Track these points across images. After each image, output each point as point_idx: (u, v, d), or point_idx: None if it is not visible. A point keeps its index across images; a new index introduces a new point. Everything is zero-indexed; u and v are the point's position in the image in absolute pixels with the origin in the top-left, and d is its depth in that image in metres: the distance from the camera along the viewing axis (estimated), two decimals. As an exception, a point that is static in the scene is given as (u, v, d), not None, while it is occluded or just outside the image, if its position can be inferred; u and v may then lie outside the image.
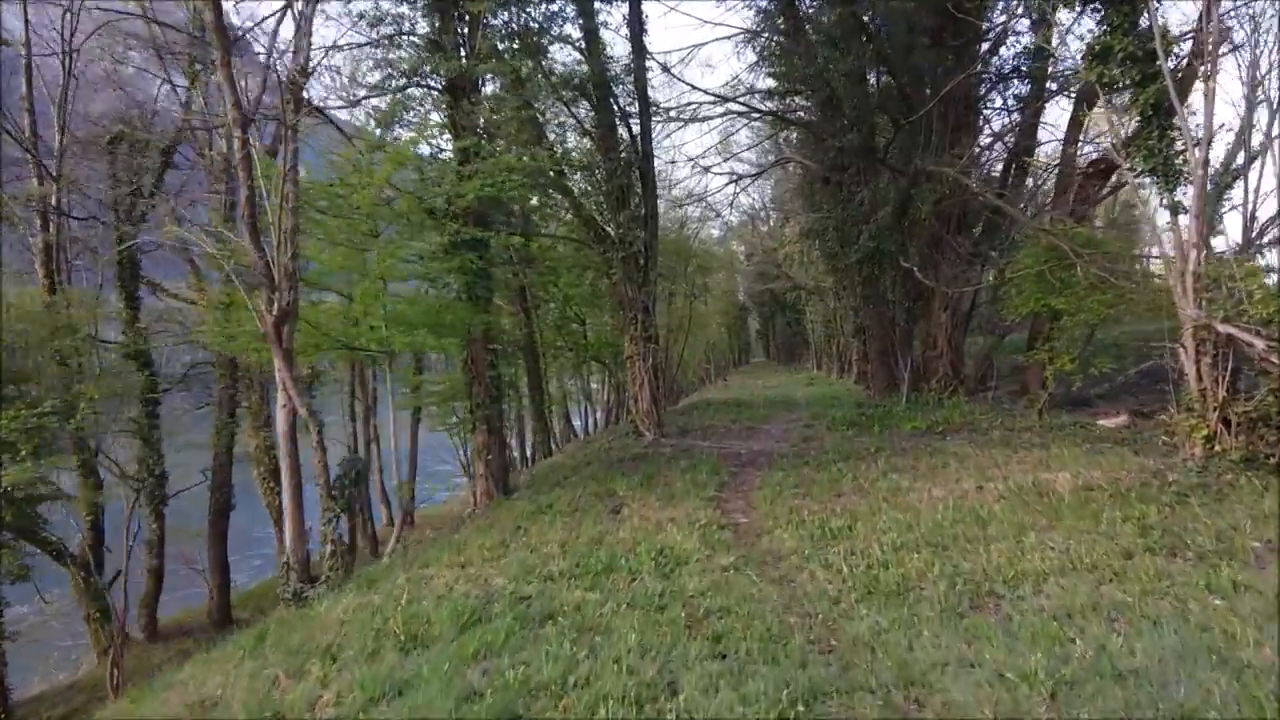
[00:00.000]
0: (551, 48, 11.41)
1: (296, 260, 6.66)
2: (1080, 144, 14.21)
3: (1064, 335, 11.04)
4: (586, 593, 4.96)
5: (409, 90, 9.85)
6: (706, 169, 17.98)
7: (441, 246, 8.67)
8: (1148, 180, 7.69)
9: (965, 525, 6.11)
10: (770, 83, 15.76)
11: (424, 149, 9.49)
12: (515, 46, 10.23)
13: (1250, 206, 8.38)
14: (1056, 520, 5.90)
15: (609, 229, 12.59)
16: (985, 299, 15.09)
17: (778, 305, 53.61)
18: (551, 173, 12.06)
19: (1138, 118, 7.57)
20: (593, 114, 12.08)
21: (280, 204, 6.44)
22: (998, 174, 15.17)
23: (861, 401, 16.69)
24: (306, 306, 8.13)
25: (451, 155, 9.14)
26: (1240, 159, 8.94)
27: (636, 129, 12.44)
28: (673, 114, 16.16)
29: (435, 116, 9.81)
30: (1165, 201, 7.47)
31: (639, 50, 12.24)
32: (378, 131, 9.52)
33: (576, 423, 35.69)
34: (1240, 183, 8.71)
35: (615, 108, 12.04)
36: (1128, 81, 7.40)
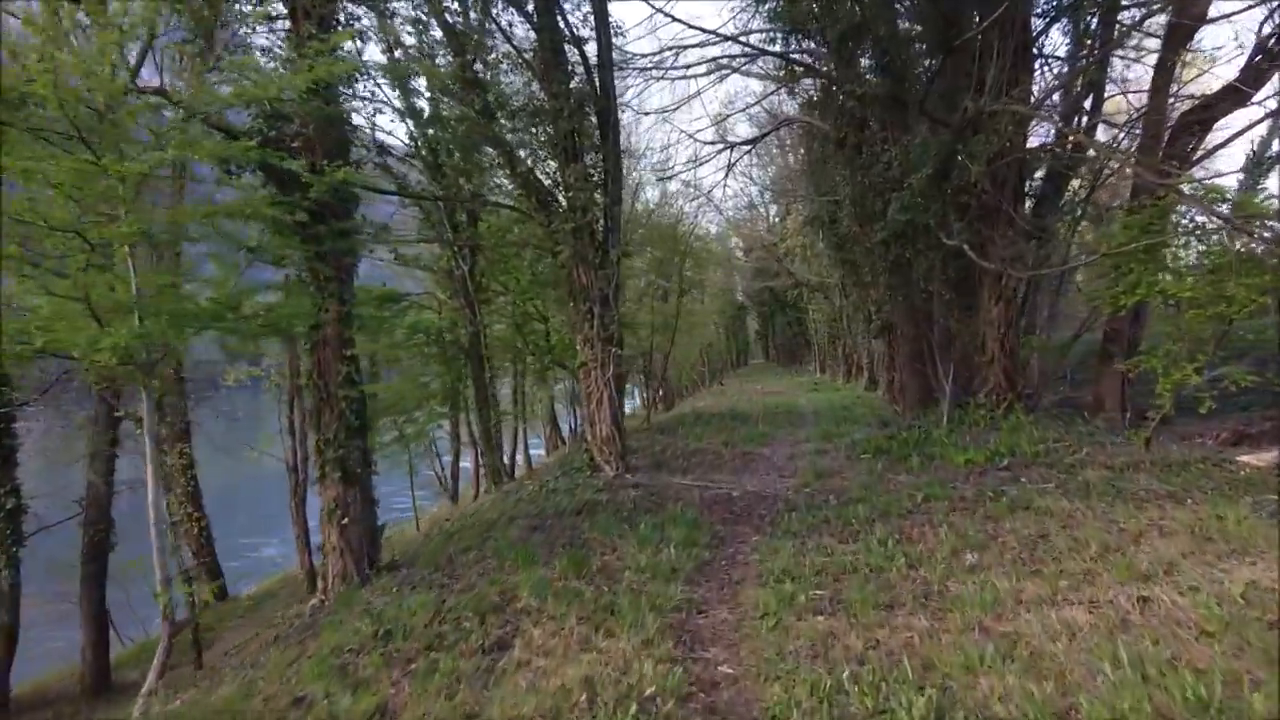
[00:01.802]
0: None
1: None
2: (1173, 91, 11.04)
3: (1186, 333, 7.83)
4: None
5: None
6: (693, 135, 14.70)
7: (262, 196, 5.47)
8: None
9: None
10: (770, 23, 12.51)
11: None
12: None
13: None
14: None
15: (556, 192, 9.38)
16: (1047, 287, 11.86)
17: (778, 304, 50.80)
18: (474, 111, 8.84)
19: None
20: (531, 31, 8.87)
21: None
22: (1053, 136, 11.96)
23: (885, 417, 13.43)
24: None
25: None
26: None
27: (594, 55, 9.22)
28: (649, 63, 12.95)
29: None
30: None
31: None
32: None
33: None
34: None
35: (563, 22, 8.81)
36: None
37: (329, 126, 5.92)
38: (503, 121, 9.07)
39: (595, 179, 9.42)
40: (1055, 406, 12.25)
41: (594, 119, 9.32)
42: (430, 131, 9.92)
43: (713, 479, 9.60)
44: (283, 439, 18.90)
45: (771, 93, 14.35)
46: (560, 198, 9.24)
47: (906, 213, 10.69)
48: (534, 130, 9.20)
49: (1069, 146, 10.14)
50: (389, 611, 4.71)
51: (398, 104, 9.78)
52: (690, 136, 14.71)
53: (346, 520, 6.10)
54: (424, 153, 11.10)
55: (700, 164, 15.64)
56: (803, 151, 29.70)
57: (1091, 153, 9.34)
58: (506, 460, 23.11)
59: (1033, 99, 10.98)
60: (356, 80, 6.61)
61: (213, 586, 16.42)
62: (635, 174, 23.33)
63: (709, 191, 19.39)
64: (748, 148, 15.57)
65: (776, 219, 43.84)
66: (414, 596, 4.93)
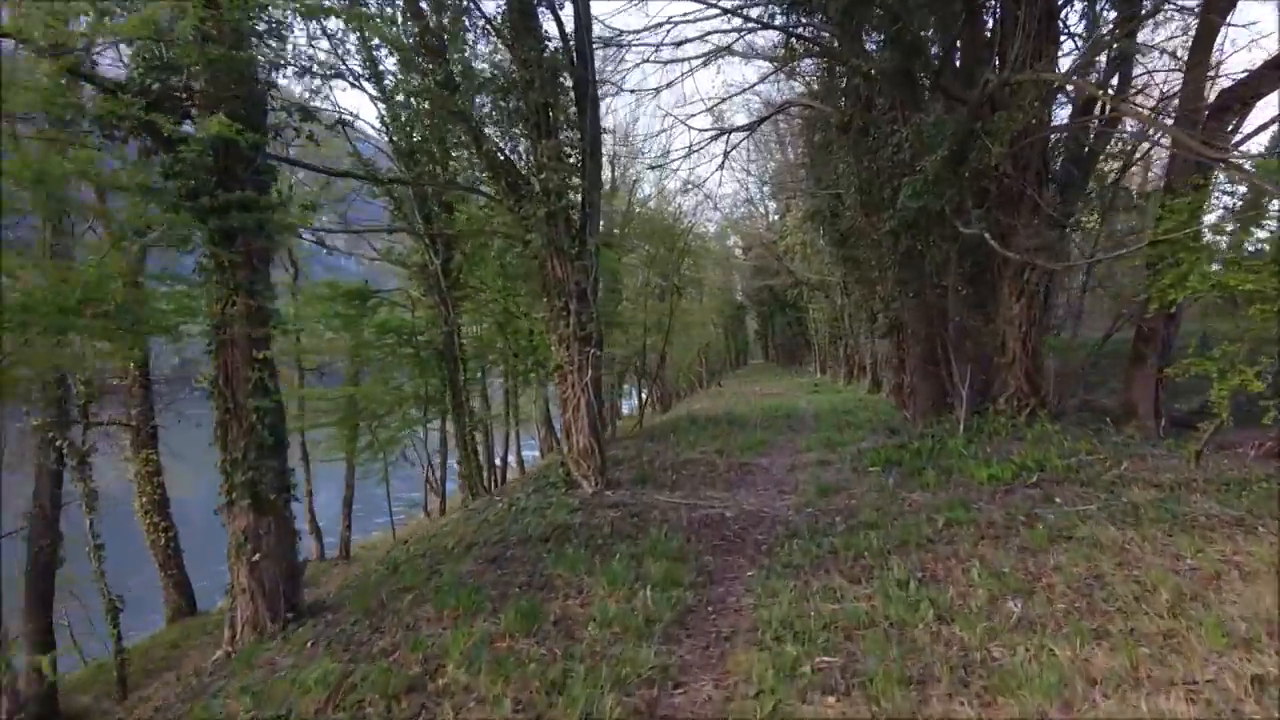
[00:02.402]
0: None
1: None
2: (1212, 67, 10.05)
3: (1246, 333, 6.81)
4: None
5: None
6: (685, 121, 13.65)
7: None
8: None
9: None
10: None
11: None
12: None
13: None
14: None
15: (526, 172, 8.34)
16: (1068, 283, 10.83)
17: (777, 304, 49.86)
18: (435, 83, 7.82)
19: None
20: (496, -10, 7.85)
21: None
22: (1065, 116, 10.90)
23: (893, 423, 12.40)
24: None
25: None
26: None
27: (569, 18, 8.20)
28: (638, 40, 11.91)
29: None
30: None
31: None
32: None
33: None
34: None
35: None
36: None
37: (236, 81, 4.88)
38: (467, 94, 8.02)
39: (571, 160, 8.38)
40: (1078, 413, 11.23)
41: (570, 91, 8.29)
42: (391, 103, 8.89)
43: (704, 495, 8.57)
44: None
45: (771, 74, 13.32)
46: (533, 180, 8.20)
47: (918, 199, 9.65)
48: (502, 104, 8.16)
49: (1101, 119, 9.11)
50: (278, 686, 3.68)
51: (358, 70, 8.76)
52: (683, 123, 13.59)
53: (258, 556, 5.06)
54: (391, 132, 10.06)
55: (695, 150, 14.49)
56: (802, 144, 28.79)
57: (1129, 126, 8.30)
58: (499, 462, 22.09)
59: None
60: (285, 32, 5.58)
61: (171, 608, 15.43)
62: (632, 170, 22.38)
63: (704, 181, 18.20)
64: (746, 134, 14.52)
65: (776, 216, 42.95)
66: (317, 664, 3.89)
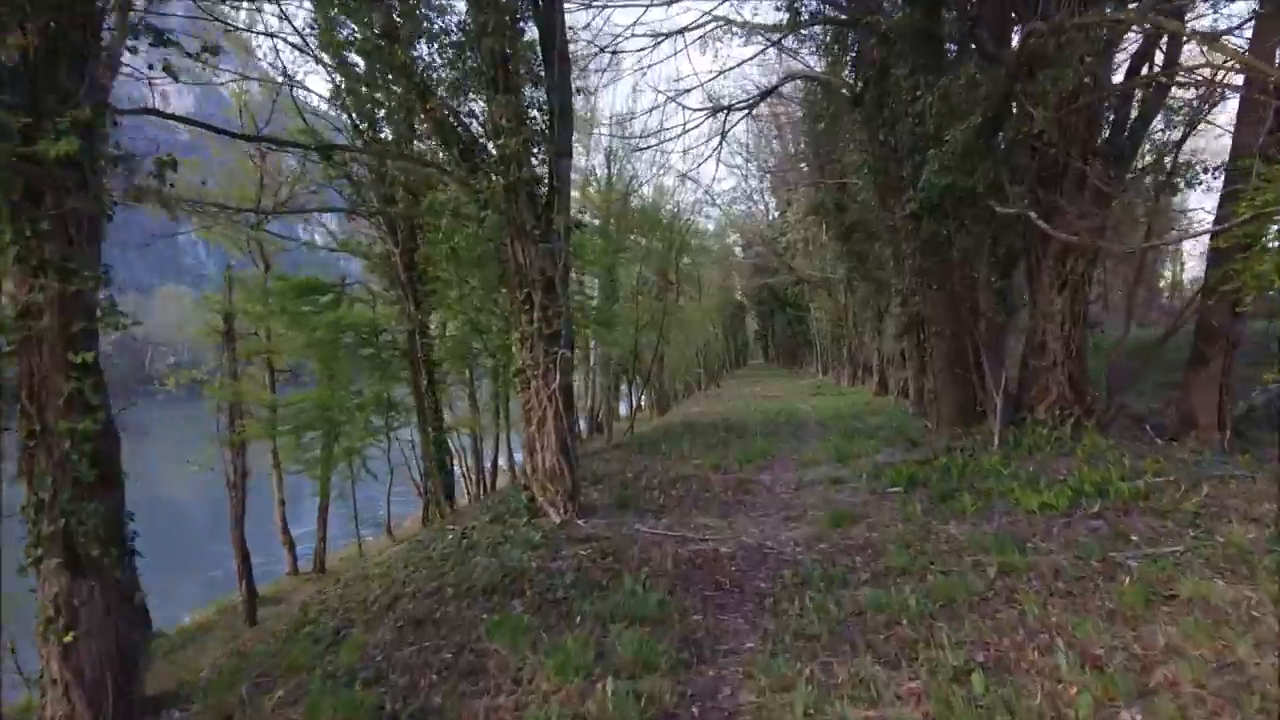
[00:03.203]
0: None
1: None
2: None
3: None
4: None
5: None
6: (677, 98, 12.32)
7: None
8: None
9: None
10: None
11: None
12: None
13: None
14: None
15: (482, 138, 6.96)
16: (1112, 270, 9.43)
17: (778, 303, 48.69)
18: (372, 33, 6.44)
19: None
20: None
21: None
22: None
23: (912, 433, 11.00)
24: None
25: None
26: None
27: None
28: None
29: None
30: None
31: None
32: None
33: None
34: None
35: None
36: None
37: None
38: (409, 43, 6.63)
39: (538, 127, 7.00)
40: (1118, 419, 9.84)
41: (536, 37, 6.91)
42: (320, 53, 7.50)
43: (696, 524, 7.18)
44: (221, 451, 16.60)
45: (774, 43, 11.91)
46: (490, 147, 6.82)
47: (945, 176, 8.28)
48: (452, 54, 6.77)
49: (1160, 79, 7.73)
50: None
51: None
52: (674, 100, 12.20)
53: (74, 634, 3.68)
54: (342, 92, 8.67)
55: (690, 129, 13.07)
56: (803, 134, 27.45)
57: (1207, 68, 6.91)
58: (489, 466, 20.69)
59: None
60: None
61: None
62: (629, 167, 21.06)
63: (701, 164, 16.81)
64: (745, 112, 13.13)
65: (776, 213, 41.65)
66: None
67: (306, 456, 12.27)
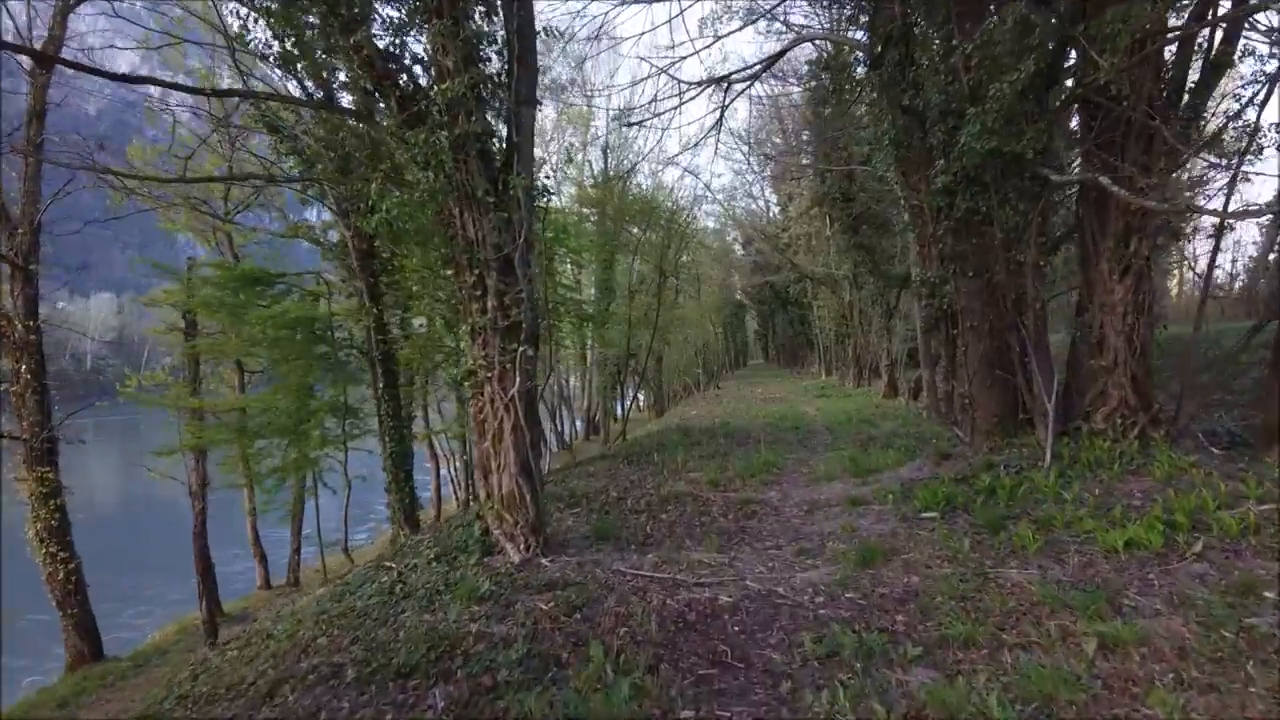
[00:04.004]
0: None
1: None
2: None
3: None
4: None
5: None
6: (666, 70, 10.96)
7: None
8: None
9: None
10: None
11: None
12: None
13: None
14: None
15: (426, 82, 5.59)
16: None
17: (779, 301, 47.41)
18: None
19: None
20: None
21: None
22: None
23: (942, 443, 9.63)
24: None
25: None
26: None
27: None
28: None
29: None
30: None
31: None
32: None
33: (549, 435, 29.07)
34: None
35: None
36: None
37: None
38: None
39: (493, 69, 5.64)
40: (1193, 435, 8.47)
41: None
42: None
43: (689, 560, 5.81)
44: (183, 457, 15.22)
45: (769, 12, 10.60)
46: (434, 93, 5.44)
47: (988, 139, 6.93)
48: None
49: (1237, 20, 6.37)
50: None
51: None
52: (665, 72, 10.83)
53: None
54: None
55: (688, 101, 11.69)
56: (806, 128, 26.08)
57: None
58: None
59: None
60: None
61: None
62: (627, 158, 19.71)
63: (699, 144, 15.50)
64: (746, 84, 11.76)
65: (777, 209, 40.36)
66: None
67: (258, 467, 10.88)
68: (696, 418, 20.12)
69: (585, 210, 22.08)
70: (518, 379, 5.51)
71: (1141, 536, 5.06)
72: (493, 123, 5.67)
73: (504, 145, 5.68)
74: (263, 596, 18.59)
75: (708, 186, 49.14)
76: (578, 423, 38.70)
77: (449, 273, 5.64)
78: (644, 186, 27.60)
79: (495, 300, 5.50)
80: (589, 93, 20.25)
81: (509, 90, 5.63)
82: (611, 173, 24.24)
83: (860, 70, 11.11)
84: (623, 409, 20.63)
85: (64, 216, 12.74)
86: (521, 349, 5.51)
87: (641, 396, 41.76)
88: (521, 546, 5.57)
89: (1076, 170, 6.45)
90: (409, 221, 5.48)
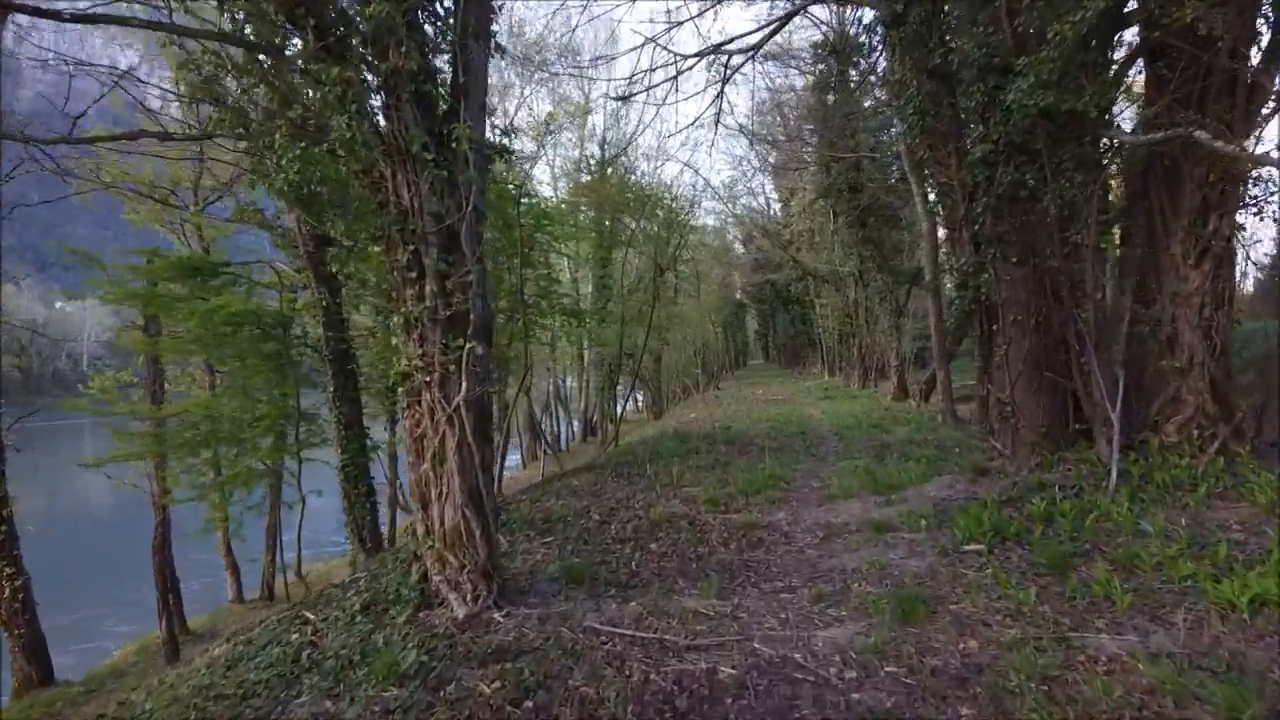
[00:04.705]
0: None
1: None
2: None
3: None
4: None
5: None
6: (659, 38, 9.73)
7: None
8: None
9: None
10: None
11: None
12: None
13: None
14: None
15: (351, 10, 4.39)
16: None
17: (780, 300, 46.34)
18: None
19: None
20: None
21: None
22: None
23: (977, 458, 8.45)
24: None
25: None
26: None
27: None
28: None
29: None
30: None
31: None
32: None
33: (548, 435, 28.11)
34: None
35: None
36: None
37: None
38: None
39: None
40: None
41: None
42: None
43: (682, 611, 4.62)
44: (147, 464, 14.01)
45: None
46: (360, 22, 4.25)
47: (1043, 94, 5.75)
48: None
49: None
50: None
51: None
52: (654, 41, 9.63)
53: None
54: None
55: (684, 73, 10.46)
56: (810, 118, 24.92)
57: None
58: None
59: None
60: None
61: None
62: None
63: (696, 120, 14.35)
64: (747, 57, 10.58)
65: (778, 205, 39.23)
66: None
67: (201, 480, 9.71)
68: (695, 421, 18.93)
69: (581, 203, 20.92)
70: (464, 383, 4.33)
71: (1271, 591, 3.89)
72: (435, 63, 4.48)
73: (450, 90, 4.49)
74: (235, 611, 17.39)
75: (707, 182, 47.98)
76: (575, 423, 37.50)
77: (377, 249, 4.44)
78: (642, 173, 26.57)
79: (435, 284, 4.32)
80: (578, 65, 19.00)
81: (455, 19, 4.45)
82: (608, 155, 23.22)
83: (871, 45, 9.99)
84: (608, 418, 19.38)
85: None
86: (469, 346, 4.33)
87: (640, 397, 40.65)
88: (468, 597, 4.39)
89: (1166, 125, 5.25)
90: (327, 183, 4.29)
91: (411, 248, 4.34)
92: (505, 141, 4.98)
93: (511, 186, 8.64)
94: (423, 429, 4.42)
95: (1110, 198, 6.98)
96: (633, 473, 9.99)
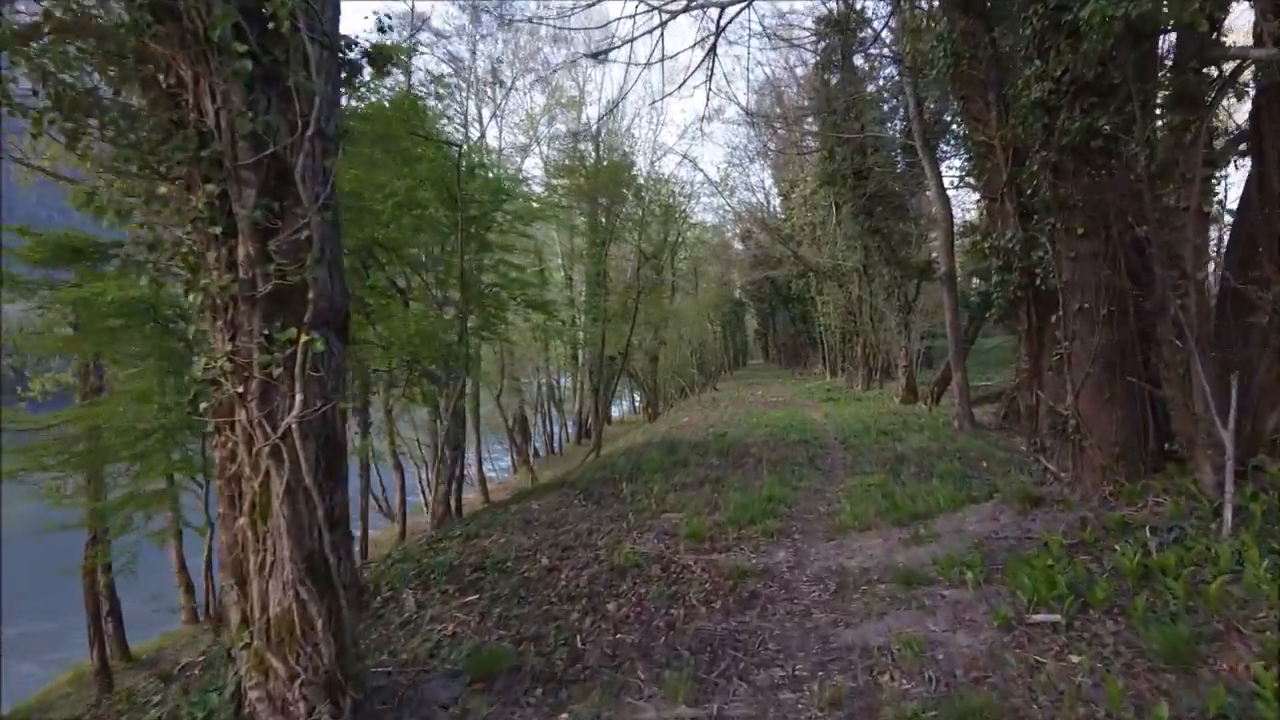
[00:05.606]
0: None
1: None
2: None
3: None
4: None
5: None
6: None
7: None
8: None
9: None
10: None
11: None
12: None
13: None
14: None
15: None
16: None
17: (779, 298, 44.87)
18: None
19: None
20: None
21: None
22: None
23: (1027, 481, 6.92)
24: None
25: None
26: None
27: None
28: None
29: None
30: None
31: None
32: None
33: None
34: None
35: None
36: None
37: None
38: None
39: None
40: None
41: None
42: None
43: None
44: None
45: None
46: None
47: (1130, 3, 4.24)
48: None
49: None
50: None
51: None
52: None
53: None
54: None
55: (667, 23, 8.90)
56: (811, 105, 23.43)
57: None
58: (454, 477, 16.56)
59: None
60: None
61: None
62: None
63: (684, 82, 12.90)
64: (741, 6, 9.06)
65: (778, 199, 37.77)
66: None
67: (83, 500, 8.22)
68: (688, 426, 17.41)
69: (562, 186, 19.45)
70: (297, 396, 2.82)
71: None
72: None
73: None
74: (186, 633, 15.92)
75: (706, 177, 46.54)
76: (569, 425, 36.01)
77: (163, 190, 2.93)
78: (639, 168, 25.16)
79: (251, 244, 2.81)
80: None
81: None
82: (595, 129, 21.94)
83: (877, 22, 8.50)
84: (596, 419, 17.90)
85: None
86: (305, 340, 2.82)
87: (638, 398, 39.13)
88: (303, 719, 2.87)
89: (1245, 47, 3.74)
90: (77, 76, 2.78)
91: (217, 187, 2.82)
92: (378, 40, 3.46)
93: (456, 150, 7.13)
94: (237, 465, 2.91)
95: (1215, 145, 5.46)
96: (606, 493, 8.46)
